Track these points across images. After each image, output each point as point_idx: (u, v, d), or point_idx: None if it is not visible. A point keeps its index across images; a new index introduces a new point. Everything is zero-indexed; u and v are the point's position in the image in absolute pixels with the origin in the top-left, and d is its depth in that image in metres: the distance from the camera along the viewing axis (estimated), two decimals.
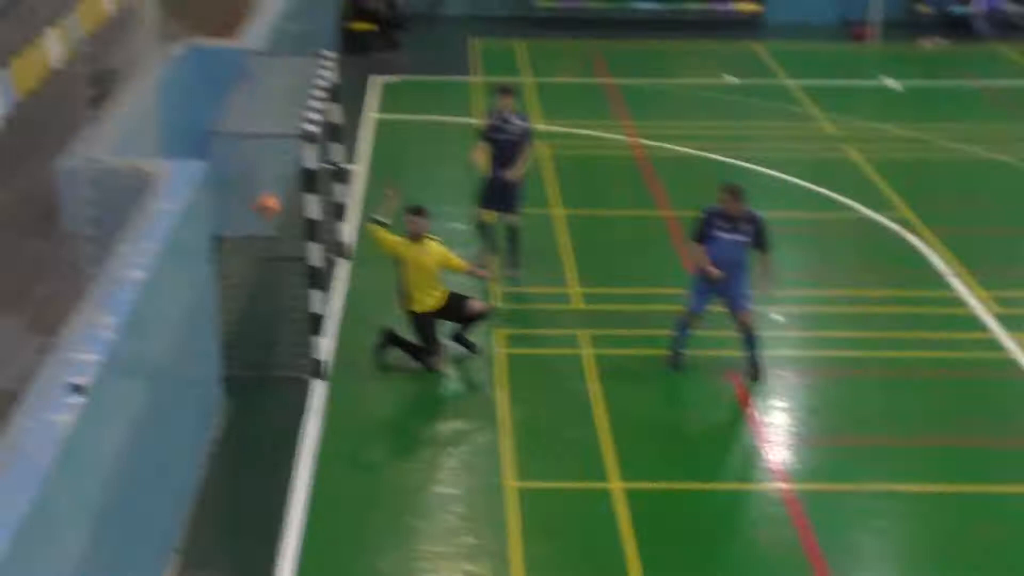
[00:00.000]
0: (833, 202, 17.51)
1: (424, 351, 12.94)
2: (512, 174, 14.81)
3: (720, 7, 27.44)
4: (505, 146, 14.75)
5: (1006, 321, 14.12)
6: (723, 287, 12.58)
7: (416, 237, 12.88)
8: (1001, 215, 17.37)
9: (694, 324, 12.94)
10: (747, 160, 18.86)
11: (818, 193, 17.78)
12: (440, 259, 12.91)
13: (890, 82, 23.22)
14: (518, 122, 14.90)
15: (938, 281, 15.16)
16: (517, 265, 15.07)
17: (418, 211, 12.93)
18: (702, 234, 12.56)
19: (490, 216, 15.10)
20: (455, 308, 13.02)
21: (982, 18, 26.47)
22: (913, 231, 16.43)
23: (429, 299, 12.91)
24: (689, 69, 24.69)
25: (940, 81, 23.32)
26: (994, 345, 13.68)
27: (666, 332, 13.11)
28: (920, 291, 15.00)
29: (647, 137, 20.05)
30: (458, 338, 13.20)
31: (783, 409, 12.60)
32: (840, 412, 12.62)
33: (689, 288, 12.90)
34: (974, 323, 14.16)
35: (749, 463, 11.69)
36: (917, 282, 15.19)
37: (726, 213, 12.52)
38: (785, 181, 18.33)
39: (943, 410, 12.60)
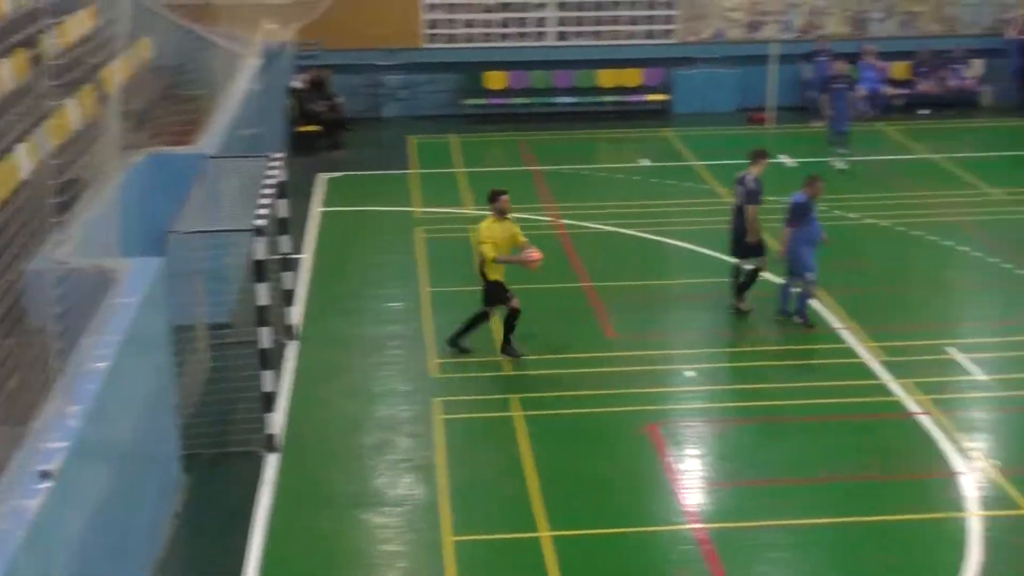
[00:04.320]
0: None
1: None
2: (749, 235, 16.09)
3: (633, 98, 27.92)
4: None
5: (892, 368, 14.42)
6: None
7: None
8: (883, 273, 17.74)
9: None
10: (661, 234, 19.17)
11: (724, 261, 18.08)
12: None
13: (786, 159, 23.70)
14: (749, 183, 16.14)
15: (831, 335, 15.46)
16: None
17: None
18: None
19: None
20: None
21: (864, 99, 27.11)
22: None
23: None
24: (607, 155, 25.08)
25: (831, 158, 23.78)
26: (882, 390, 13.95)
27: (589, 392, 13.34)
28: (816, 344, 15.28)
29: (570, 217, 20.34)
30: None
31: (696, 456, 12.78)
32: (746, 457, 12.81)
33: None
34: (864, 371, 14.44)
35: (666, 507, 11.83)
36: (813, 336, 15.48)
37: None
38: (695, 251, 18.65)
39: (838, 450, 12.81)
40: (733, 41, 28.17)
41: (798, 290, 15.70)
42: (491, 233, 14.59)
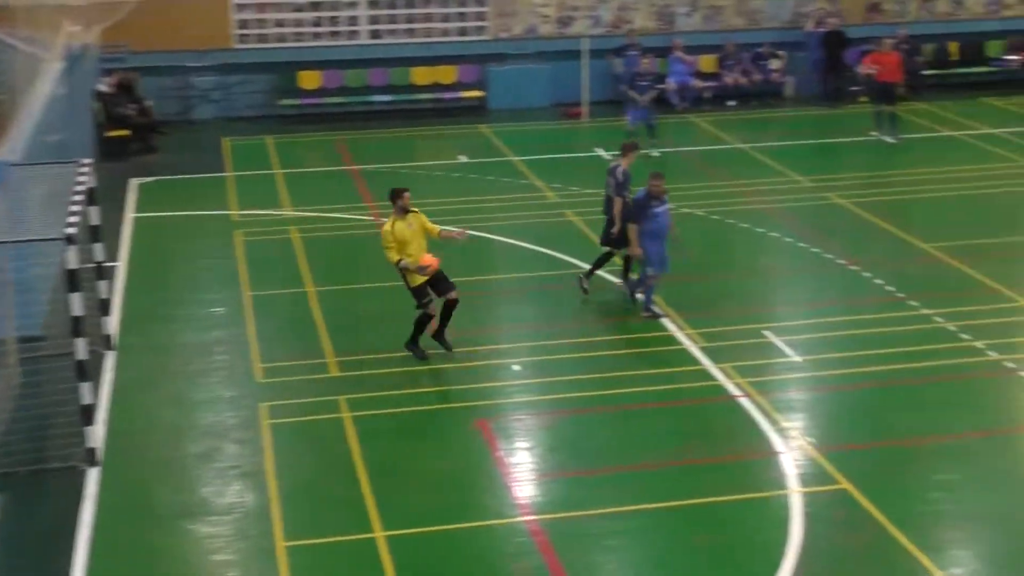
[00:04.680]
0: (559, 261, 18.01)
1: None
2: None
3: (448, 95, 27.98)
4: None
5: (712, 353, 14.78)
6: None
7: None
8: (699, 261, 18.11)
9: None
10: (482, 230, 19.22)
11: (545, 254, 18.27)
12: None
13: (602, 152, 24.07)
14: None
15: (653, 323, 15.74)
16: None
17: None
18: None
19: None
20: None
21: (674, 92, 27.74)
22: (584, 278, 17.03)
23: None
24: (425, 152, 25.05)
25: (649, 150, 24.18)
26: (704, 375, 14.28)
27: (418, 390, 13.33)
28: (639, 334, 15.54)
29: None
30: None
31: (526, 449, 12.86)
32: (575, 447, 12.93)
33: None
34: (685, 357, 14.76)
35: (499, 501, 11.86)
36: (635, 326, 15.75)
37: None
38: (516, 246, 18.77)
39: (663, 436, 13.05)
40: (545, 37, 28.47)
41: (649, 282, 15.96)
42: (396, 234, 14.28)
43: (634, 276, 16.24)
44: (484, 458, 12.63)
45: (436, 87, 28.01)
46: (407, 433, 13.12)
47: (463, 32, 28.18)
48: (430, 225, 14.65)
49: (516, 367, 14.51)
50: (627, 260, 16.43)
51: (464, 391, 13.93)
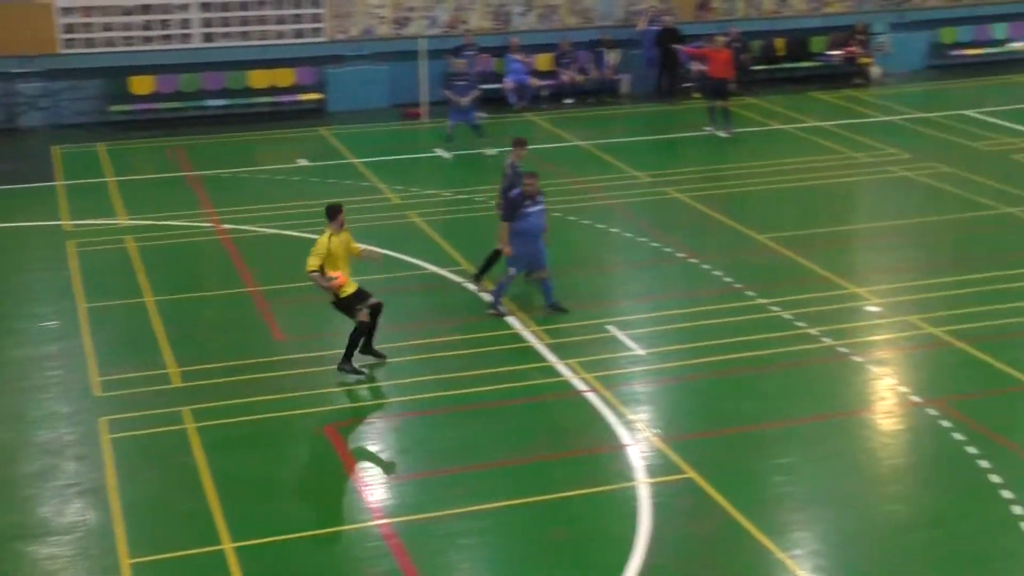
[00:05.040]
0: (405, 263, 17.94)
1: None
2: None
3: (286, 98, 27.62)
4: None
5: (557, 349, 14.92)
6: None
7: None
8: None
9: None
10: None
11: (391, 256, 18.17)
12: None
13: (442, 153, 24.07)
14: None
15: (498, 322, 15.80)
16: None
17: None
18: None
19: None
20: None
21: (511, 91, 27.91)
22: (473, 280, 17.10)
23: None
24: (264, 156, 24.64)
25: (482, 149, 24.32)
26: (551, 372, 14.40)
27: (262, 398, 13.12)
28: (484, 332, 15.57)
29: (230, 222, 19.90)
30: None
31: (375, 452, 12.79)
32: (425, 448, 12.90)
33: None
34: (532, 355, 14.86)
35: (350, 505, 11.77)
36: (481, 325, 15.78)
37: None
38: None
39: (513, 433, 13.10)
40: (382, 38, 28.34)
41: (541, 279, 16.00)
42: (332, 248, 14.08)
43: (537, 279, 16.14)
44: (333, 464, 12.51)
45: (273, 90, 27.60)
46: (253, 442, 12.91)
47: (299, 34, 27.85)
48: (354, 244, 14.48)
49: (363, 370, 14.39)
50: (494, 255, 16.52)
51: (311, 397, 13.77)
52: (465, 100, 24.44)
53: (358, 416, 13.50)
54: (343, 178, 22.57)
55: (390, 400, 13.98)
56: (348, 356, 14.21)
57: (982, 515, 11.29)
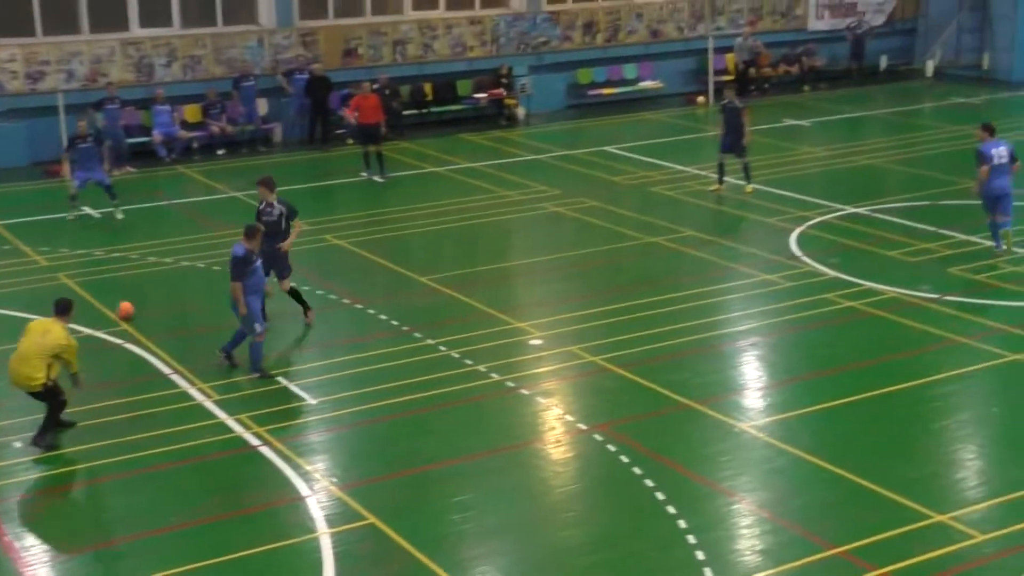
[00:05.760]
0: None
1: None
2: (284, 246, 16.98)
3: None
4: (270, 225, 16.63)
5: (226, 405, 14.59)
6: None
7: None
8: (200, 314, 17.86)
9: None
10: None
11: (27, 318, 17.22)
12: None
13: (90, 211, 23.14)
14: (279, 206, 17.02)
15: (163, 380, 15.31)
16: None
17: None
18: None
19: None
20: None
21: (160, 144, 27.22)
22: (134, 341, 16.51)
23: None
24: None
25: (138, 204, 23.55)
26: (222, 428, 14.06)
27: None
28: (151, 393, 15.01)
29: None
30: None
31: (36, 530, 12.06)
32: (94, 519, 12.28)
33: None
34: (200, 412, 14.46)
35: None
36: (146, 385, 15.23)
37: None
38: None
39: (188, 494, 12.68)
40: (15, 93, 26.98)
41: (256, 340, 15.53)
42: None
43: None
44: None
45: None
46: None
47: None
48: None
49: (18, 444, 13.56)
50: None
51: None
52: (92, 164, 22.61)
53: (20, 492, 12.69)
54: None
55: (51, 472, 13.22)
56: (45, 427, 13.73)
57: (652, 532, 11.84)
